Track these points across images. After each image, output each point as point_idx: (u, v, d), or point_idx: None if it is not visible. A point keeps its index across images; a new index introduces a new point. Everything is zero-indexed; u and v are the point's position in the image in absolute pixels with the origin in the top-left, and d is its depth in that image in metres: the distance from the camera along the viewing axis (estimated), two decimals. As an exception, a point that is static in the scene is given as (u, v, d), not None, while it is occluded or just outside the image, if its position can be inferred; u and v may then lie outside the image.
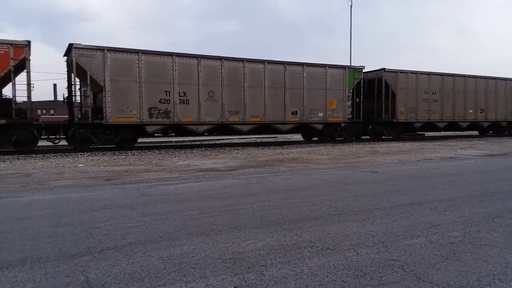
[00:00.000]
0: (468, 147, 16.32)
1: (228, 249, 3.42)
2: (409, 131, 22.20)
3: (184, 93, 15.40)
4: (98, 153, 13.68)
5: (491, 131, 25.68)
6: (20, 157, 12.23)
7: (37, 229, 4.09)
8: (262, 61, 16.99)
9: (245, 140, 21.62)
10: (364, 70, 20.03)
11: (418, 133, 23.56)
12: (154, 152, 14.03)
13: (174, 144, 18.23)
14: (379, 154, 13.11)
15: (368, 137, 21.03)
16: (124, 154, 13.39)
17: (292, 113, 17.73)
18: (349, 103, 19.15)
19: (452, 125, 22.73)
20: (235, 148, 16.12)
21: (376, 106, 20.66)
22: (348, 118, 19.23)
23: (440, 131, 23.20)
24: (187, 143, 18.47)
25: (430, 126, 21.98)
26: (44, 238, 3.78)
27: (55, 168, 9.44)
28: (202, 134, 16.80)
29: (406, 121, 20.93)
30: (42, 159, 11.69)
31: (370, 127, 20.68)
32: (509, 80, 24.44)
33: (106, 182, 7.35)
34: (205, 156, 12.74)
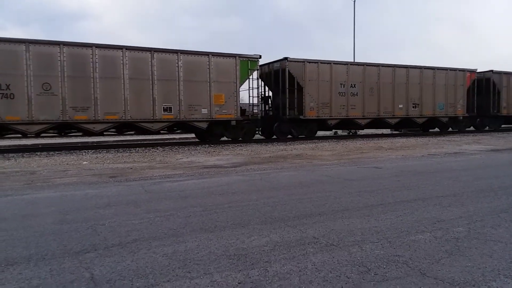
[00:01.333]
0: (473, 142, 16.23)
1: (232, 246, 3.43)
2: (323, 129, 19.98)
3: (7, 86, 12.63)
4: (102, 150, 13.73)
5: (436, 128, 23.53)
6: (24, 155, 12.29)
7: (42, 227, 4.12)
8: (120, 47, 14.21)
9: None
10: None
11: (416, 128, 22.85)
12: (157, 149, 14.06)
13: (177, 141, 18.28)
14: (383, 149, 13.07)
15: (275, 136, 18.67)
16: (128, 151, 13.43)
17: (165, 110, 14.99)
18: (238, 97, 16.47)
19: (378, 122, 20.31)
20: (239, 144, 16.12)
21: (281, 101, 18.09)
22: (240, 115, 16.77)
23: (363, 128, 20.91)
24: (190, 140, 18.50)
25: (348, 123, 19.71)
26: (49, 235, 3.80)
27: (60, 166, 9.49)
28: (38, 136, 14.29)
29: (317, 118, 18.30)
30: (47, 156, 11.75)
31: (276, 124, 18.26)
32: (451, 70, 22.09)
33: (111, 179, 7.38)
34: (208, 152, 12.75)
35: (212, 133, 16.52)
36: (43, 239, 3.69)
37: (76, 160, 10.66)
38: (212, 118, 15.98)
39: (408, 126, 22.81)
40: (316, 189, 6.08)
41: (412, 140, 17.50)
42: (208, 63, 15.72)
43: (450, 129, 23.33)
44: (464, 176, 7.26)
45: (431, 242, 3.48)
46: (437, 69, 21.76)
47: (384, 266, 2.93)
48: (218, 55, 15.97)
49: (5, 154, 12.24)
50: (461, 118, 23.05)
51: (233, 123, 16.57)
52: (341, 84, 18.79)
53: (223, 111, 16.17)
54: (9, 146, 16.21)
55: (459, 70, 22.54)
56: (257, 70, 17.12)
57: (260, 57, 17.03)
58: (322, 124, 18.98)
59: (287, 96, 17.74)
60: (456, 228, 3.91)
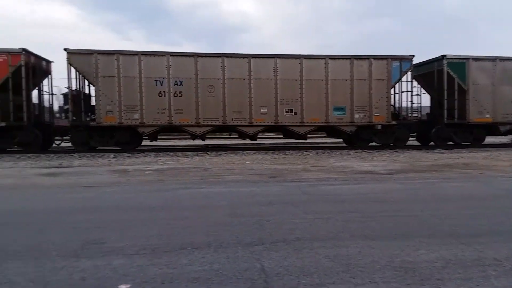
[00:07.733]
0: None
1: (396, 257, 3.27)
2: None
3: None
4: (260, 152, 14.77)
5: None
6: (198, 154, 14.14)
7: (216, 218, 4.67)
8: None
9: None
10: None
11: None
12: (310, 153, 14.38)
13: (329, 145, 18.32)
14: None
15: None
16: (283, 153, 14.10)
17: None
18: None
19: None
20: (395, 151, 15.25)
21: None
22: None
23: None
24: (341, 144, 18.31)
25: None
26: (222, 226, 4.28)
27: (227, 164, 10.59)
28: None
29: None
30: (216, 156, 13.27)
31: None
32: None
33: (270, 179, 7.88)
34: (362, 158, 12.43)
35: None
36: (218, 228, 4.19)
37: (240, 160, 11.74)
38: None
39: None
40: (491, 204, 5.32)
41: None
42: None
43: None
44: None
45: None
46: None
47: None
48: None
49: (183, 153, 14.32)
50: None
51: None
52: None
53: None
54: (185, 146, 18.88)
55: None
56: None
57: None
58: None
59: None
60: None
